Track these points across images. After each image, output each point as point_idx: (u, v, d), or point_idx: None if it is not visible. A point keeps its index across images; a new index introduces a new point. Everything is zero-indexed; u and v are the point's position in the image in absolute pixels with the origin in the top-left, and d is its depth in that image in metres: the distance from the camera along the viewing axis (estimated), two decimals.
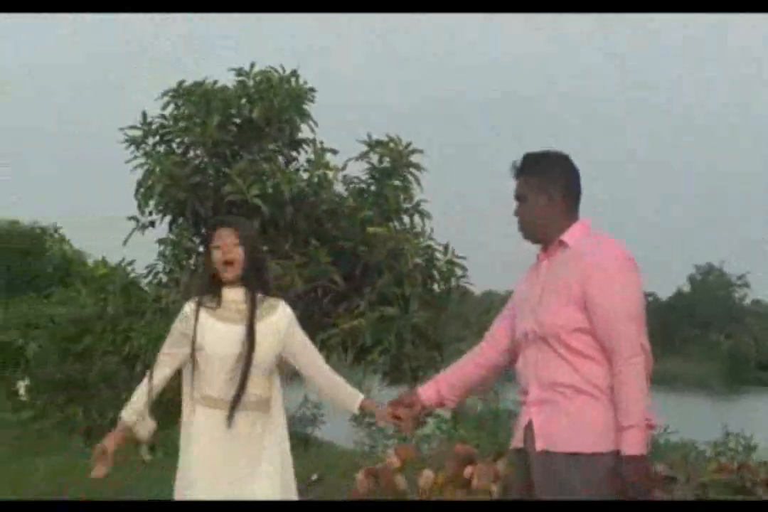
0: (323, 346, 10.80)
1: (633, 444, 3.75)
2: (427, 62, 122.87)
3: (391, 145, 11.05)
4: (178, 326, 4.60)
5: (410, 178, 11.12)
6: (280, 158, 11.07)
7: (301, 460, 10.41)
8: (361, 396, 4.67)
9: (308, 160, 11.13)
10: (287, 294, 10.47)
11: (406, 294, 10.74)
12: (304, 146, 11.30)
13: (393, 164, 11.07)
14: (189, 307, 4.57)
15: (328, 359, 10.79)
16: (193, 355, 4.51)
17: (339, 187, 11.10)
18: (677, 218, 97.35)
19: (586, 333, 3.88)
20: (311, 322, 10.97)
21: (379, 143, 11.07)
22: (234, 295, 4.55)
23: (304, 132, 11.29)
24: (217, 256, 4.53)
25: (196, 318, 4.52)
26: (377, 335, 10.32)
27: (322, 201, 10.80)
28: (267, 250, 10.97)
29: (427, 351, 10.69)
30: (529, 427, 3.98)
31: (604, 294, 3.86)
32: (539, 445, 3.92)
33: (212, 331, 4.51)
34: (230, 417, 4.48)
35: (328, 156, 11.07)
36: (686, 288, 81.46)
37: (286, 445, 4.65)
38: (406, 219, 11.18)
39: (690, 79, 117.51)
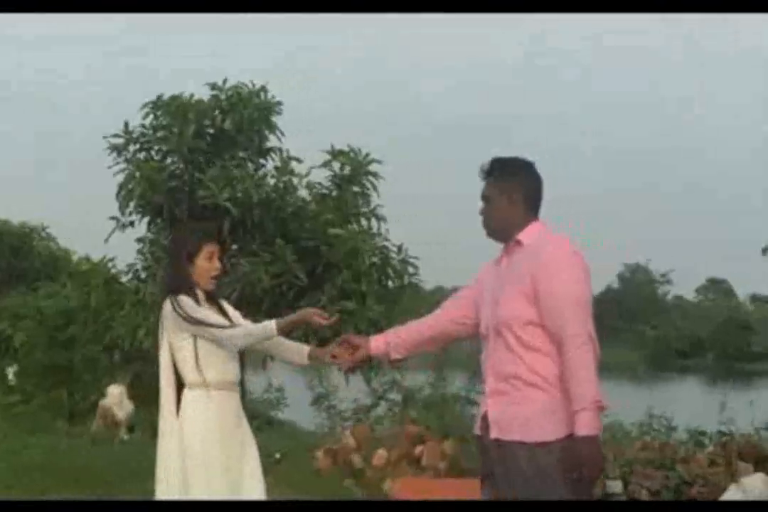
0: (287, 338, 10.77)
1: (585, 425, 3.69)
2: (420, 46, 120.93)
3: (352, 154, 11.10)
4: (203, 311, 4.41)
5: (368, 184, 11.17)
6: (250, 165, 11.03)
7: (266, 440, 10.42)
8: (306, 348, 4.62)
9: (275, 167, 11.12)
10: (254, 289, 10.47)
11: (364, 290, 10.75)
12: (272, 154, 11.29)
13: (353, 172, 11.10)
14: (190, 299, 4.41)
15: None
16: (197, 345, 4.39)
17: (303, 192, 11.12)
18: (610, 215, 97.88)
19: (536, 326, 3.83)
20: (276, 315, 10.93)
21: (341, 153, 11.11)
22: (200, 296, 4.52)
23: (272, 141, 11.31)
24: (210, 266, 4.49)
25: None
26: (337, 328, 10.30)
27: (287, 204, 10.79)
28: (237, 249, 10.96)
29: None
30: (485, 416, 3.95)
31: (553, 286, 3.82)
32: (492, 434, 3.88)
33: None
34: (243, 397, 4.56)
35: (294, 164, 11.09)
36: (615, 285, 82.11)
37: None
38: (364, 222, 11.21)
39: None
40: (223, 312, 4.54)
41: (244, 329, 4.43)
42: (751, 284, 76.90)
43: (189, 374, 4.39)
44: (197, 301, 4.43)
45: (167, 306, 4.40)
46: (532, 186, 4.08)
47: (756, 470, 8.13)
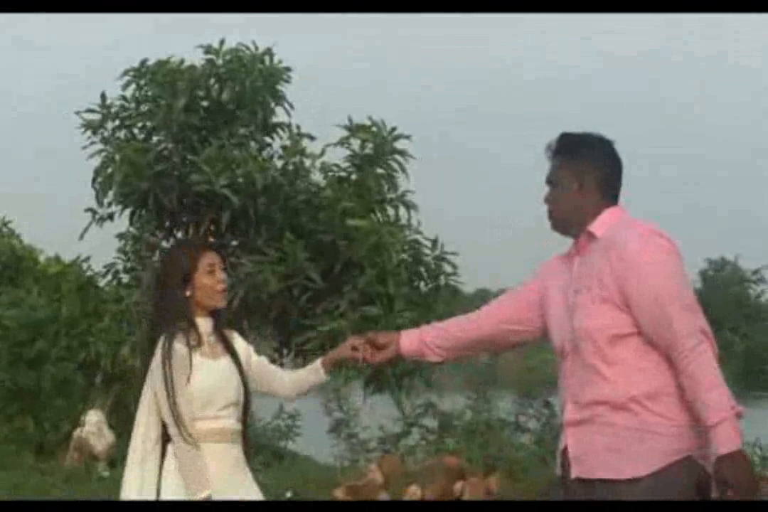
0: (300, 351, 10.84)
1: (725, 441, 3.62)
2: (421, 45, 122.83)
3: (374, 129, 11.03)
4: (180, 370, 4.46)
5: (395, 165, 11.12)
6: (252, 144, 11.06)
7: (275, 476, 10.50)
8: (318, 361, 4.68)
9: (283, 147, 11.13)
10: (260, 293, 10.52)
11: (391, 293, 10.75)
12: (279, 131, 11.31)
13: (376, 151, 11.05)
14: (181, 351, 4.44)
15: (305, 365, 10.82)
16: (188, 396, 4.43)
17: (316, 176, 11.11)
18: (686, 208, 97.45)
19: (624, 338, 3.80)
20: (286, 324, 11.02)
21: (360, 128, 11.05)
22: (205, 327, 4.56)
23: (279, 115, 11.32)
24: (214, 281, 4.52)
25: (191, 361, 4.45)
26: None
27: (297, 191, 10.81)
28: (237, 245, 11.01)
29: None
30: (565, 452, 3.93)
31: (642, 283, 3.77)
32: (574, 472, 3.86)
33: (206, 369, 4.49)
34: (247, 448, 4.62)
35: (305, 142, 11.09)
36: (698, 285, 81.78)
37: None
38: (390, 210, 11.19)
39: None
40: (230, 350, 4.59)
41: (291, 384, 4.66)
42: None
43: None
44: (198, 339, 4.48)
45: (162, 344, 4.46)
46: (609, 167, 4.02)
47: None
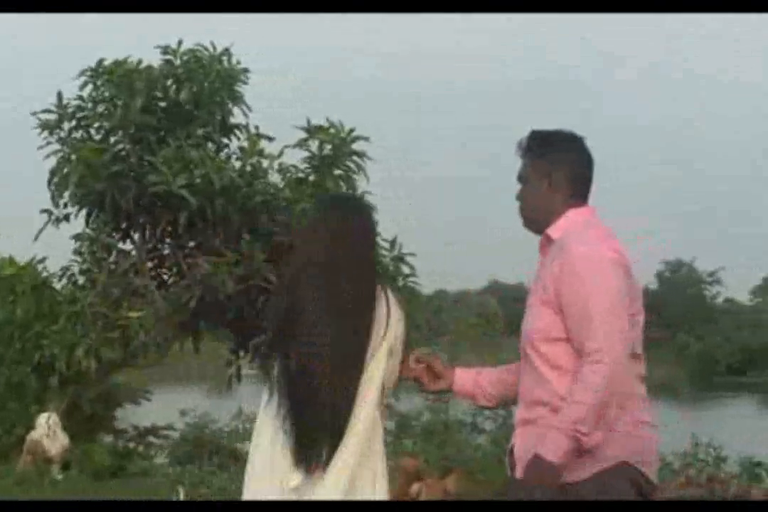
0: (257, 352, 10.82)
1: (546, 446, 3.67)
2: (378, 46, 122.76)
3: (332, 131, 11.05)
4: None
5: (353, 167, 11.14)
6: (210, 145, 11.03)
7: (231, 479, 10.47)
8: None
9: (241, 148, 11.11)
10: (217, 294, 10.49)
11: None
12: (237, 132, 11.30)
13: (334, 152, 11.06)
14: None
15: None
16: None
17: (275, 177, 11.09)
18: (644, 210, 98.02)
19: (563, 342, 3.81)
20: (244, 326, 10.98)
21: (319, 129, 11.06)
22: None
23: (237, 116, 11.31)
24: None
25: None
26: None
27: (255, 192, 10.78)
28: (195, 246, 10.98)
29: None
30: (512, 452, 3.94)
31: (572, 287, 3.77)
32: (518, 472, 3.86)
33: None
34: None
35: (263, 143, 11.07)
36: (653, 287, 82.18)
37: None
38: None
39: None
40: None
41: None
42: None
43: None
44: None
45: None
46: (579, 165, 4.01)
47: None
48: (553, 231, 3.93)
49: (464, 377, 4.26)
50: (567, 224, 3.93)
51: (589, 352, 3.71)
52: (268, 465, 4.20)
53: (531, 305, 3.91)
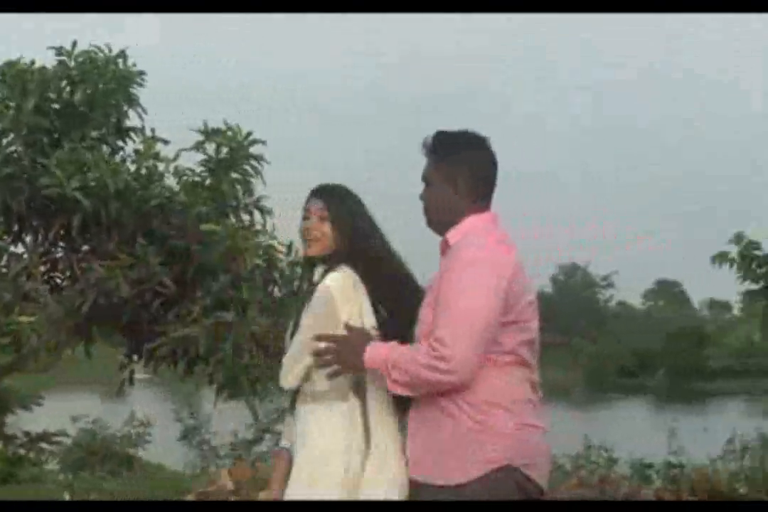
0: (151, 357, 10.74)
1: (376, 353, 3.89)
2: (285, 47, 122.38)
3: (230, 134, 11.01)
4: None
5: (250, 170, 11.10)
6: (105, 147, 10.90)
7: (124, 484, 10.40)
8: None
9: (136, 151, 11.01)
10: (111, 299, 10.39)
11: (245, 299, 10.72)
12: (132, 135, 11.19)
13: (231, 155, 11.01)
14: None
15: (155, 371, 10.76)
16: None
17: (170, 180, 10.99)
18: (538, 214, 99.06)
19: None
20: (138, 331, 10.89)
21: (216, 132, 11.01)
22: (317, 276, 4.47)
23: (132, 119, 11.19)
24: (303, 228, 4.52)
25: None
26: (212, 344, 10.29)
27: (151, 195, 10.68)
28: (89, 250, 10.86)
29: (267, 361, 10.70)
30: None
31: (445, 292, 3.80)
32: (410, 471, 3.92)
33: None
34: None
35: (159, 146, 10.99)
36: (547, 290, 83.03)
37: None
38: (245, 216, 11.16)
39: None
40: None
41: None
42: (709, 287, 78.58)
43: None
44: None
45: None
46: (482, 169, 4.00)
47: None
48: (452, 235, 3.96)
49: (378, 351, 4.22)
50: (466, 229, 3.94)
51: (436, 339, 3.75)
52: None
53: (422, 306, 3.96)
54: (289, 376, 4.43)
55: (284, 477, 4.41)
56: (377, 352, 3.83)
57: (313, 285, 4.45)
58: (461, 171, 3.94)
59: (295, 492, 4.22)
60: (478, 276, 3.77)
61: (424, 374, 3.72)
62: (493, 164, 4.03)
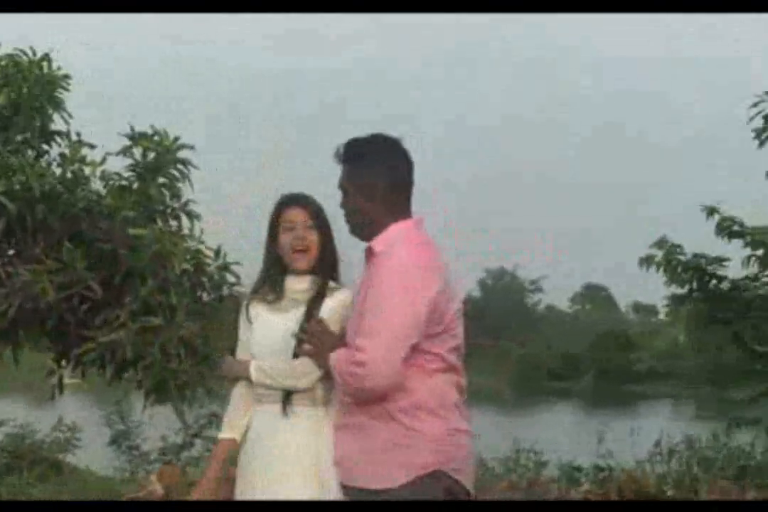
0: (79, 361, 10.61)
1: (340, 358, 3.97)
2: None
3: (156, 138, 10.93)
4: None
5: (177, 175, 11.04)
6: (30, 151, 10.77)
7: (53, 489, 10.27)
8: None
9: (61, 154, 10.89)
10: (37, 303, 10.26)
11: (173, 303, 10.63)
12: (57, 138, 11.07)
13: (158, 160, 10.94)
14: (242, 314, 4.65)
15: (84, 376, 10.63)
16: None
17: (97, 185, 10.89)
18: (465, 218, 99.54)
19: None
20: (65, 336, 10.76)
21: (142, 136, 10.92)
22: (293, 283, 4.44)
23: (58, 123, 11.07)
24: (288, 239, 4.39)
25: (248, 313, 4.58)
26: (139, 348, 10.19)
27: (77, 199, 10.56)
28: (14, 254, 10.72)
29: (195, 366, 10.62)
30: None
31: (370, 297, 3.80)
32: (337, 475, 3.95)
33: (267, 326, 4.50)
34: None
35: (85, 150, 10.88)
36: (475, 293, 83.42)
37: None
38: (172, 221, 11.09)
39: None
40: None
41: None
42: (635, 291, 79.39)
43: None
44: (279, 293, 4.45)
45: None
46: (400, 171, 3.94)
47: None
48: (376, 244, 3.94)
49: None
50: (390, 237, 3.91)
51: (356, 346, 3.78)
52: None
53: (352, 314, 3.93)
54: (312, 376, 4.32)
55: (222, 466, 4.52)
56: (332, 357, 3.86)
57: (316, 295, 4.37)
58: (375, 178, 3.90)
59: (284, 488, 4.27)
60: (402, 283, 3.75)
61: (345, 379, 3.72)
62: (408, 168, 3.98)
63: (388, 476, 3.78)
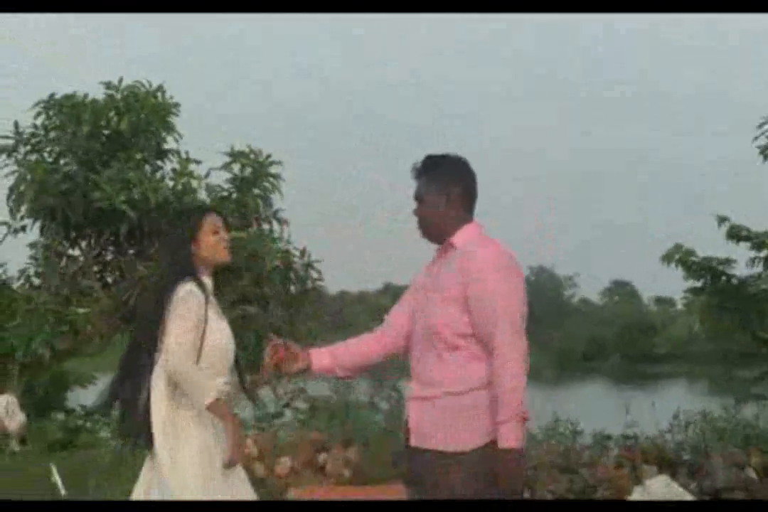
0: None
1: (507, 438, 3.63)
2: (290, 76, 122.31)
3: (252, 156, 11.03)
4: (198, 312, 4.09)
5: (270, 187, 11.11)
6: (147, 167, 10.88)
7: None
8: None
9: (173, 170, 10.99)
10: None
11: (266, 295, 10.69)
12: (170, 156, 11.16)
13: (254, 174, 11.02)
14: (198, 296, 4.09)
15: None
16: (202, 350, 4.10)
17: (202, 195, 10.99)
18: (516, 219, 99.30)
19: (467, 333, 3.75)
20: None
21: (241, 154, 11.03)
22: (209, 286, 4.22)
23: (170, 143, 11.17)
24: (218, 239, 4.21)
25: (206, 310, 4.11)
26: (238, 333, 10.21)
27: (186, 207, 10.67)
28: (134, 253, 10.81)
29: None
30: (407, 423, 3.87)
31: (481, 291, 3.73)
32: (412, 441, 3.82)
33: (219, 325, 4.20)
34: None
35: (192, 166, 10.97)
36: None
37: None
38: (265, 225, 11.16)
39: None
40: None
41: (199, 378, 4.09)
42: (656, 286, 78.61)
43: None
44: (206, 291, 4.15)
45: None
46: (469, 184, 3.97)
47: (660, 472, 8.31)
48: (456, 239, 3.88)
49: (320, 356, 4.12)
50: (467, 235, 3.89)
51: (498, 345, 3.70)
52: None
53: (431, 299, 3.84)
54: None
55: None
56: (514, 428, 3.66)
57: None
58: (453, 187, 3.90)
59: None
60: (507, 279, 3.79)
61: (518, 377, 3.72)
62: (474, 182, 4.00)
63: (462, 441, 3.72)
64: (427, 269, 4.00)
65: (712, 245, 10.98)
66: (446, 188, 3.90)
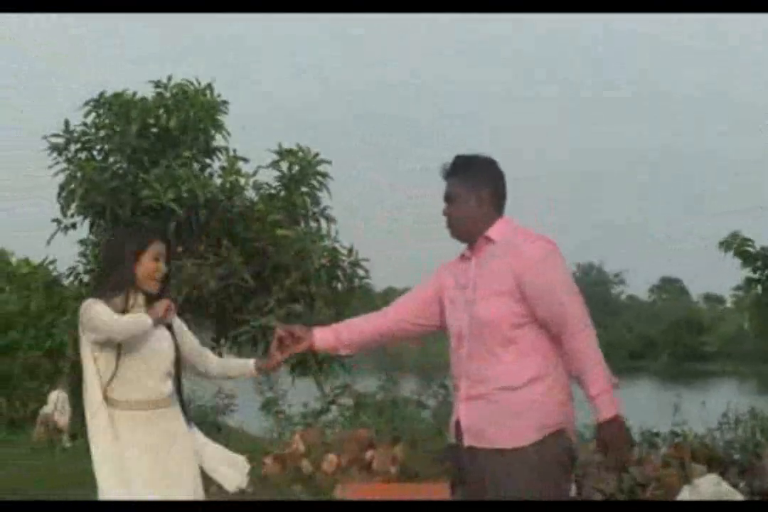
0: (234, 342, 10.73)
1: (605, 408, 3.66)
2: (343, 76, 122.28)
3: (300, 154, 11.02)
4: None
5: (317, 184, 11.10)
6: (195, 165, 10.93)
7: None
8: (251, 361, 4.42)
9: (221, 167, 11.03)
10: (201, 292, 10.39)
11: (312, 293, 10.70)
12: (218, 154, 11.19)
13: (301, 172, 11.03)
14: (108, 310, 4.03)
15: (240, 354, 10.73)
16: (119, 359, 4.04)
17: (250, 193, 11.04)
18: (562, 216, 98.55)
19: (519, 326, 3.74)
20: (223, 319, 10.89)
21: (289, 152, 11.03)
22: (140, 299, 4.18)
23: (218, 140, 11.21)
24: (154, 267, 4.15)
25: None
26: None
27: (234, 205, 10.72)
28: (182, 251, 10.87)
29: None
30: (458, 423, 3.84)
31: (539, 277, 3.74)
32: (466, 441, 3.78)
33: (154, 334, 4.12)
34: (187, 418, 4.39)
35: (240, 163, 11.01)
36: None
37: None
38: (312, 223, 11.16)
39: None
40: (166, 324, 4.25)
41: (123, 321, 4.05)
42: (705, 283, 77.87)
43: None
44: (131, 304, 4.13)
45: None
46: (498, 183, 3.99)
47: (709, 471, 8.22)
48: (492, 233, 3.89)
49: (323, 334, 4.16)
50: (502, 228, 3.89)
51: (572, 322, 3.71)
52: None
53: (481, 296, 3.83)
54: None
55: None
56: (610, 398, 3.74)
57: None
58: (484, 186, 3.92)
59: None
60: (559, 265, 3.83)
61: (598, 346, 3.76)
62: (503, 181, 4.01)
63: (520, 436, 3.71)
64: (454, 267, 3.99)
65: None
66: (477, 188, 3.92)
